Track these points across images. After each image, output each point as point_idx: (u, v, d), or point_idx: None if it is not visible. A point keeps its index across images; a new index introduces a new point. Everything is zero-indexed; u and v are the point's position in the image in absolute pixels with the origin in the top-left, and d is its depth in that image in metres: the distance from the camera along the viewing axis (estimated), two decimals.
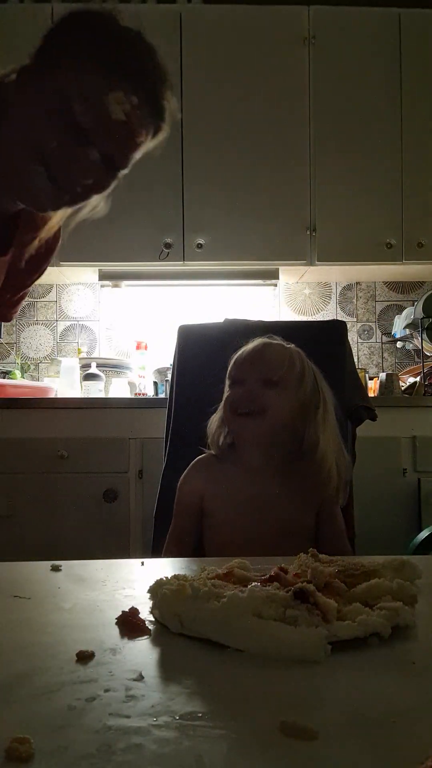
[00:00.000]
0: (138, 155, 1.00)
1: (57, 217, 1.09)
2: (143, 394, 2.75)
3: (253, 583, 0.63)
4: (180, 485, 1.28)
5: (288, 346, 1.23)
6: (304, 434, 1.17)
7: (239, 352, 1.23)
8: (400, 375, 2.83)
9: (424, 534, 2.02)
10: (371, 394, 2.57)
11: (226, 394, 1.22)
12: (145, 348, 2.88)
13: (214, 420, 1.25)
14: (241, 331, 1.50)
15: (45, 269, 1.25)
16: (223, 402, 1.22)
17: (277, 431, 1.17)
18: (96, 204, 1.05)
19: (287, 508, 1.18)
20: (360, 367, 2.98)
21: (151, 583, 0.65)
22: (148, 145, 1.01)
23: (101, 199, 1.04)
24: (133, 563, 0.89)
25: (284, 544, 1.13)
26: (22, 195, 0.98)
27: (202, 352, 1.53)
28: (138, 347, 2.88)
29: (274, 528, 1.17)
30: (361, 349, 3.14)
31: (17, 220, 1.10)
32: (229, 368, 1.23)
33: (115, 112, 0.91)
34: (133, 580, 0.79)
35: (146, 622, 0.61)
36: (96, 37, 0.93)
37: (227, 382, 1.23)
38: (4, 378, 2.77)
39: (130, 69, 0.93)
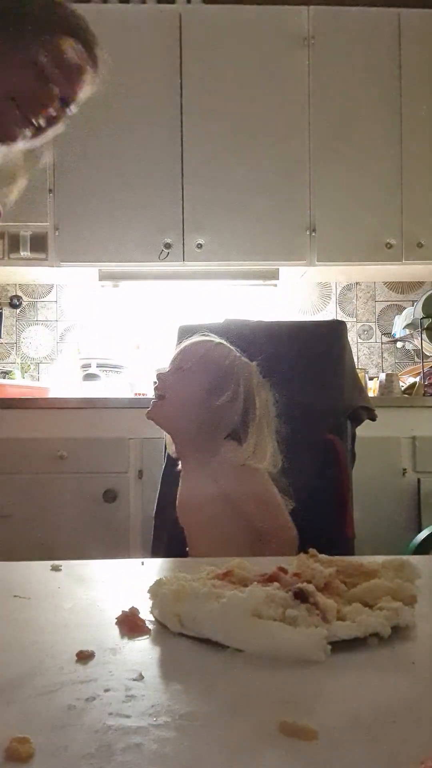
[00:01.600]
0: (82, 96, 1.17)
1: (20, 173, 1.25)
2: (143, 394, 2.75)
3: (253, 583, 0.63)
4: None
5: (213, 340, 1.30)
6: (204, 419, 1.21)
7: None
8: (400, 375, 2.83)
9: (423, 534, 2.02)
10: (371, 394, 2.57)
11: None
12: (145, 348, 2.88)
13: None
14: (241, 331, 1.51)
15: None
16: None
17: (177, 414, 1.24)
18: (47, 154, 1.22)
19: (194, 498, 1.23)
20: (360, 367, 2.98)
21: (151, 583, 0.65)
22: (86, 91, 1.18)
23: (50, 148, 1.22)
24: (133, 563, 0.89)
25: (198, 525, 1.17)
26: None
27: None
28: (138, 347, 2.88)
29: (187, 513, 1.24)
30: (361, 349, 3.14)
31: None
32: None
33: (69, 55, 1.10)
34: (133, 580, 0.79)
35: (146, 622, 0.61)
36: (49, 7, 1.13)
37: None
38: (4, 378, 2.77)
39: (73, 26, 1.13)
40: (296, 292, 3.14)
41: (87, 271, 2.89)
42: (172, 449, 1.32)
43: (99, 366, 2.74)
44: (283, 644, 0.54)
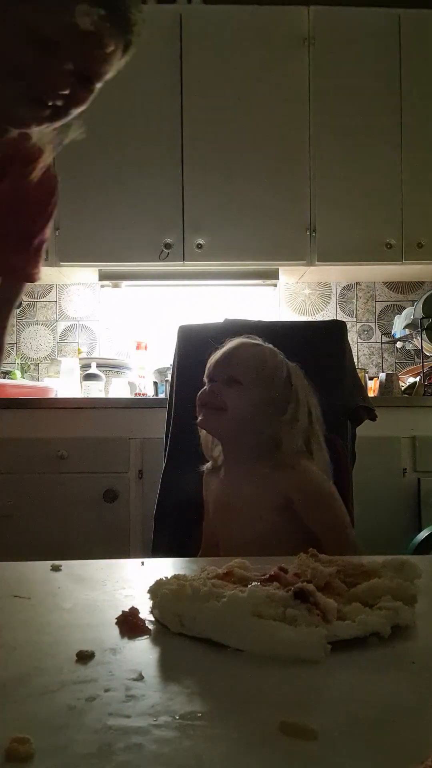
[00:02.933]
0: (110, 70, 1.02)
1: (47, 148, 1.12)
2: (143, 394, 2.75)
3: (253, 583, 0.63)
4: None
5: (263, 345, 1.26)
6: (266, 432, 1.19)
7: (214, 353, 1.26)
8: (400, 375, 2.83)
9: (423, 534, 2.02)
10: (371, 394, 2.56)
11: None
12: (145, 348, 2.88)
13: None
14: (241, 331, 1.50)
15: (52, 213, 1.26)
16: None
17: (237, 427, 1.20)
18: (76, 128, 1.09)
19: (248, 502, 1.20)
20: (360, 367, 2.98)
21: (151, 583, 0.65)
22: (120, 62, 1.03)
23: (80, 121, 1.07)
24: (133, 563, 0.89)
25: (250, 536, 1.15)
26: (3, 115, 1.01)
27: (201, 353, 1.53)
28: (138, 347, 2.88)
29: (238, 522, 1.20)
30: (361, 349, 3.14)
31: (10, 151, 1.12)
32: (206, 369, 1.27)
33: (82, 23, 0.93)
34: (133, 580, 0.79)
35: (146, 622, 0.61)
36: None
37: (205, 382, 1.27)
38: (4, 378, 2.77)
39: None
40: (296, 292, 3.14)
41: (87, 271, 2.89)
42: (210, 452, 1.28)
43: (99, 366, 2.74)
44: (284, 644, 0.54)
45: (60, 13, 0.93)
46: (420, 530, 2.19)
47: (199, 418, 1.23)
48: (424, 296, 2.81)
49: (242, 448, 1.22)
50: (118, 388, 2.73)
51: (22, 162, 1.14)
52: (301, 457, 1.19)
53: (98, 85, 1.02)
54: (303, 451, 1.20)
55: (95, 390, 2.65)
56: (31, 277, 1.26)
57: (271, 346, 1.26)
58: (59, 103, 0.98)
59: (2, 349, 1.27)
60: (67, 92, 0.97)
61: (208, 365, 1.26)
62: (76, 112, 1.03)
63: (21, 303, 3.08)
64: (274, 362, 1.23)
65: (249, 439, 1.20)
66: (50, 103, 0.98)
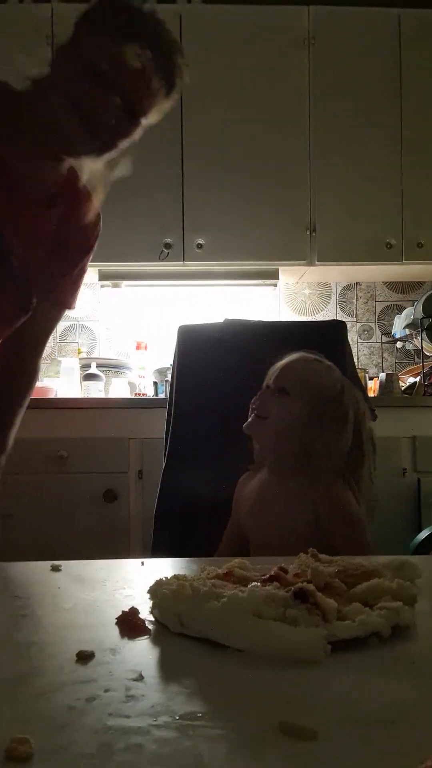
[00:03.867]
0: (154, 108, 1.10)
1: (98, 188, 1.21)
2: (143, 394, 2.75)
3: (253, 583, 0.63)
4: None
5: (322, 362, 1.28)
6: (305, 444, 1.20)
7: (276, 363, 1.29)
8: (400, 375, 2.83)
9: (424, 534, 2.01)
10: (371, 394, 2.56)
11: None
12: (145, 348, 2.88)
13: None
14: (240, 331, 1.51)
15: (93, 245, 1.35)
16: None
17: (278, 435, 1.22)
18: (124, 164, 1.18)
19: (282, 510, 1.21)
20: (360, 367, 2.98)
21: (151, 583, 0.65)
22: (164, 104, 1.12)
23: (128, 158, 1.17)
24: (133, 563, 0.89)
25: (282, 544, 1.15)
26: (58, 140, 1.10)
27: (201, 353, 1.53)
28: (138, 347, 2.88)
29: (270, 528, 1.21)
30: (361, 349, 3.14)
31: (62, 182, 1.19)
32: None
33: (131, 60, 1.03)
34: (133, 580, 0.79)
35: (146, 622, 0.61)
36: (118, 12, 1.08)
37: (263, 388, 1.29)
38: None
39: (144, 31, 1.07)
40: (296, 292, 3.14)
41: (87, 271, 2.88)
42: (255, 456, 1.30)
43: (99, 366, 2.74)
44: (283, 644, 0.54)
45: (113, 52, 1.04)
46: (420, 530, 2.18)
47: (248, 422, 1.26)
48: (424, 296, 2.81)
49: (281, 457, 1.24)
50: (118, 388, 2.73)
51: (71, 196, 1.21)
52: (336, 479, 1.20)
53: (144, 122, 1.11)
54: (342, 470, 1.21)
55: (95, 390, 2.65)
56: (69, 305, 1.33)
57: (331, 363, 1.28)
58: (107, 136, 1.08)
59: (37, 372, 1.35)
60: (114, 123, 1.07)
61: (268, 373, 1.29)
62: (122, 145, 1.12)
63: None
64: (327, 377, 1.25)
65: (288, 449, 1.21)
66: (100, 135, 1.07)
